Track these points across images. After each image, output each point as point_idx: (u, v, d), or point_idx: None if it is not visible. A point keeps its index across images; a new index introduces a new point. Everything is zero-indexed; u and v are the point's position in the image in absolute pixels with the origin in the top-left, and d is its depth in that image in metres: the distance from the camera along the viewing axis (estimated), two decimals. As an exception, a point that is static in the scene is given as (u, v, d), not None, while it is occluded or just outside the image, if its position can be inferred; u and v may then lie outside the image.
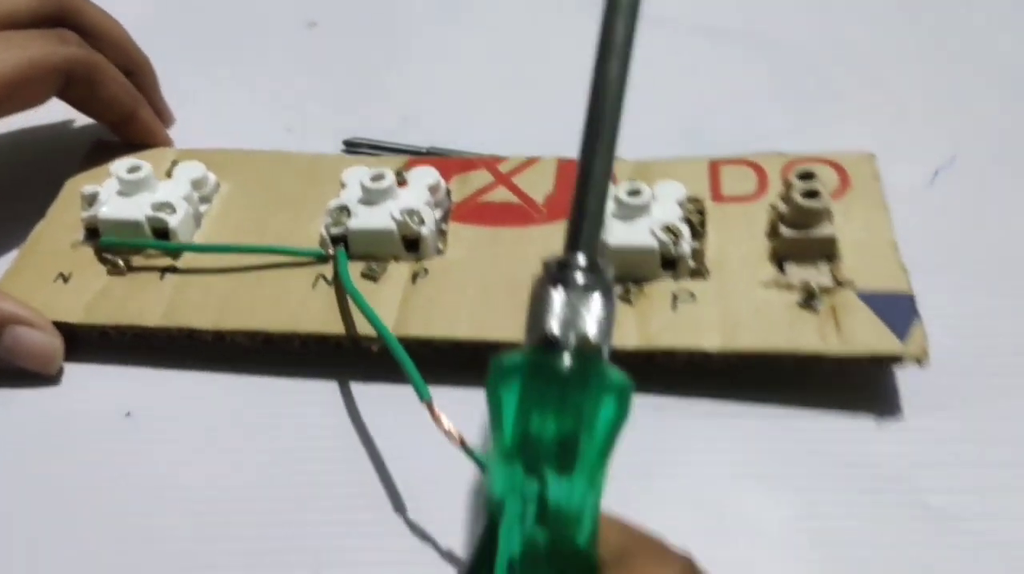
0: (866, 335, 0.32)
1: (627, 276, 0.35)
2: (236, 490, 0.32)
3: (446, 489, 0.32)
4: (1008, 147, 0.43)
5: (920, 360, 0.31)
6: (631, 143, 0.44)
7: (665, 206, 0.36)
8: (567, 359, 0.20)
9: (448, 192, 0.39)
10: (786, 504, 0.30)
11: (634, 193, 0.35)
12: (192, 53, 0.52)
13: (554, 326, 0.20)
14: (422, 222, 0.36)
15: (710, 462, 0.32)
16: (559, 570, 0.19)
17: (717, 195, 0.38)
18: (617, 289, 0.34)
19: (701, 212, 0.37)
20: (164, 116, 0.46)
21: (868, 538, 0.29)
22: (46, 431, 0.34)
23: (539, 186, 0.40)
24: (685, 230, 0.35)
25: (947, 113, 0.45)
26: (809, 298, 0.33)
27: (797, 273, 0.35)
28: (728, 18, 0.50)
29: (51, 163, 0.44)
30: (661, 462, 0.32)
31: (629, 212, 0.35)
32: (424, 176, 0.39)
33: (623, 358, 0.32)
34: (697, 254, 0.36)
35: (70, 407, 0.35)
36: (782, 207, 0.35)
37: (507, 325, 0.34)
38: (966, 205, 0.40)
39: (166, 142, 0.44)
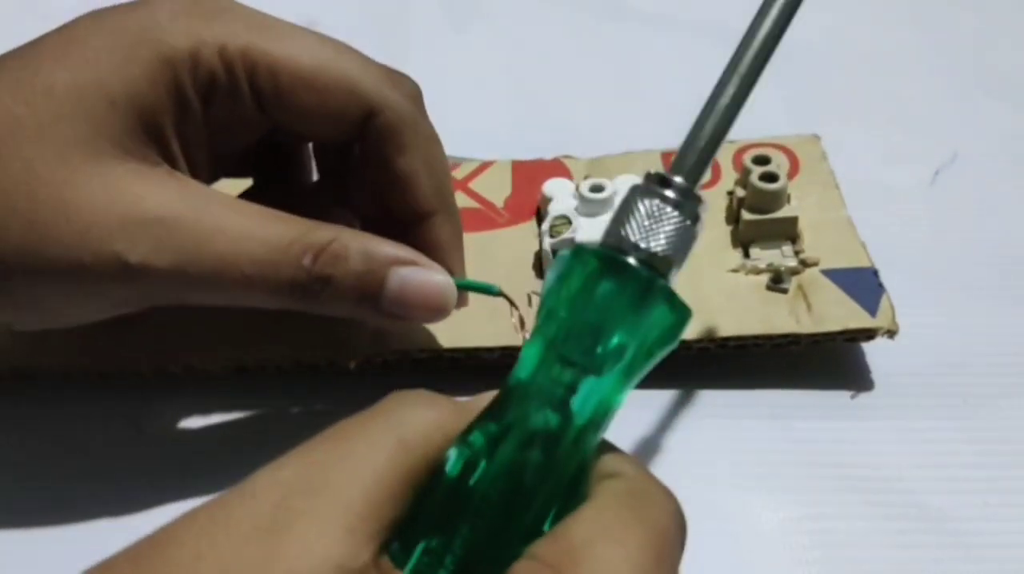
0: (837, 312, 0.33)
1: None
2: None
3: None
4: (1008, 147, 0.43)
5: (892, 332, 0.32)
6: (631, 143, 0.44)
7: None
8: (633, 264, 0.20)
9: None
10: (786, 505, 0.30)
11: (596, 189, 0.35)
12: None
13: (631, 233, 0.20)
14: None
15: (705, 462, 0.32)
16: (557, 460, 0.20)
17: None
18: None
19: None
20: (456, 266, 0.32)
21: (867, 538, 0.29)
22: (47, 429, 0.34)
23: (497, 189, 0.39)
24: None
25: (947, 113, 0.45)
26: (777, 280, 0.34)
27: (763, 256, 0.35)
28: (728, 18, 0.50)
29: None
30: (659, 462, 0.32)
31: (593, 208, 0.35)
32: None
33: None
34: None
35: (83, 418, 0.35)
36: (740, 192, 0.36)
37: (483, 333, 0.33)
38: (966, 205, 0.40)
39: (447, 298, 0.30)
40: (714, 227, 0.36)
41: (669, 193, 0.21)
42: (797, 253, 0.35)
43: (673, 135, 0.44)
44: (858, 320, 0.32)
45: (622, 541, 0.19)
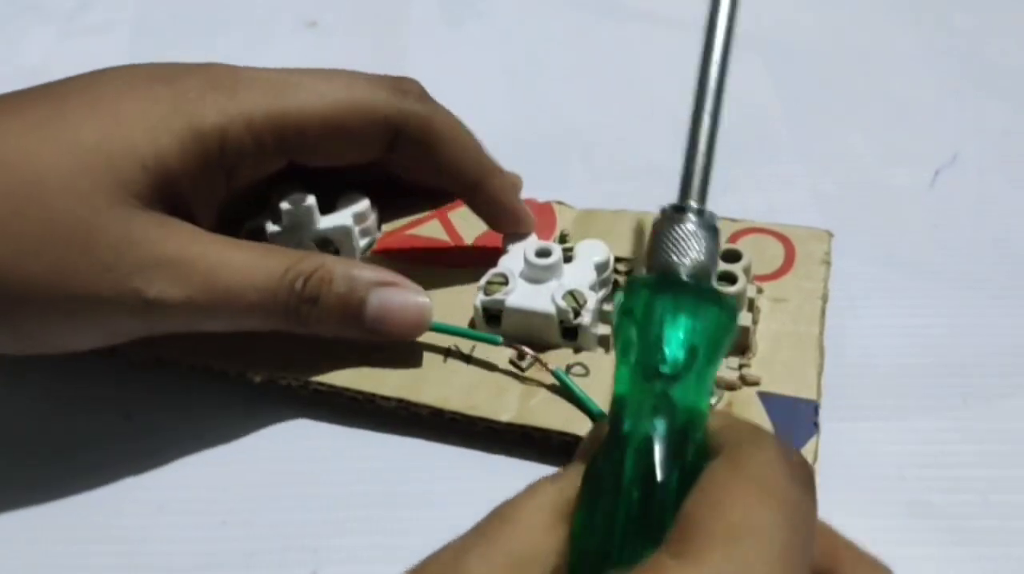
0: None
1: (528, 340, 0.33)
2: (236, 489, 0.32)
3: (445, 487, 0.32)
4: (1008, 147, 0.43)
5: None
6: (631, 143, 0.44)
7: (582, 268, 0.34)
8: (682, 278, 0.24)
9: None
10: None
11: (543, 254, 0.33)
12: (192, 53, 0.52)
13: (671, 255, 0.24)
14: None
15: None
16: (675, 449, 0.22)
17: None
18: (512, 353, 0.33)
19: (631, 273, 0.36)
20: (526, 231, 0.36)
21: (868, 537, 0.29)
22: (47, 428, 0.34)
23: (472, 226, 0.37)
24: (592, 298, 0.33)
25: (947, 113, 0.45)
26: None
27: None
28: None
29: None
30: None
31: (536, 274, 0.33)
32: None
33: (499, 430, 0.32)
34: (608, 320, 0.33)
35: (72, 405, 0.35)
36: None
37: (385, 382, 0.33)
38: (966, 205, 0.40)
39: (524, 225, 0.36)
40: None
41: (690, 215, 0.25)
42: (741, 366, 0.32)
43: (672, 135, 0.44)
44: None
45: (738, 512, 0.20)
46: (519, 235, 0.36)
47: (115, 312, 0.30)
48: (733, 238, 0.37)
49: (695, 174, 0.25)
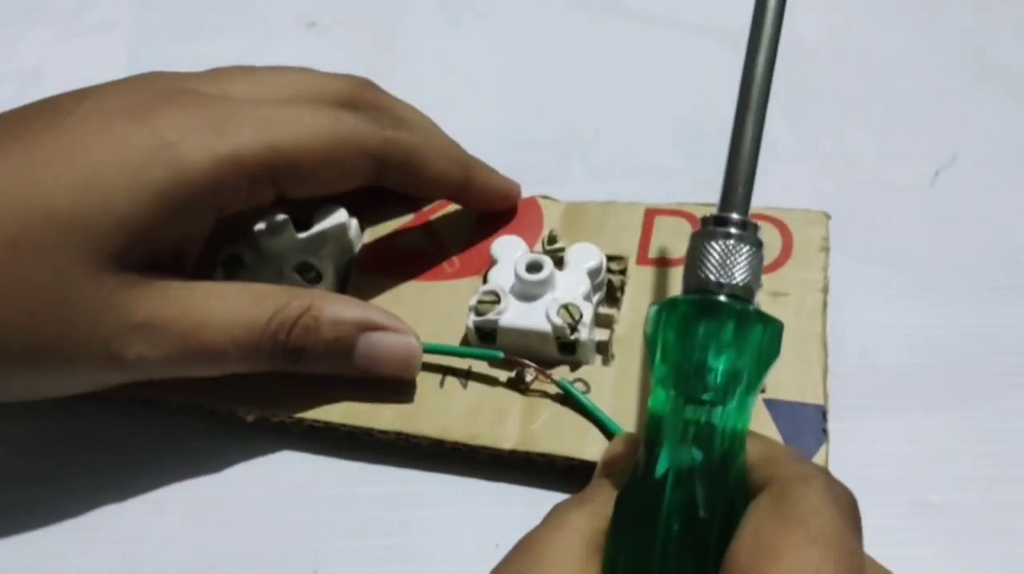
0: None
1: (524, 357, 0.32)
2: (235, 489, 0.32)
3: (443, 488, 0.32)
4: (1008, 147, 0.43)
5: None
6: (631, 143, 0.44)
7: (575, 276, 0.33)
8: (723, 300, 0.22)
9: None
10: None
11: (534, 268, 0.32)
12: (191, 53, 0.52)
13: (711, 273, 0.22)
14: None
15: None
16: (716, 479, 0.21)
17: (643, 255, 0.35)
18: (512, 374, 0.32)
19: (623, 272, 0.35)
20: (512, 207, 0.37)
21: (868, 537, 0.29)
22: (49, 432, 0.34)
23: (458, 231, 0.37)
24: (587, 311, 0.32)
25: (947, 113, 0.45)
26: None
27: None
28: (728, 18, 0.50)
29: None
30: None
31: (527, 289, 0.32)
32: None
33: (502, 458, 0.31)
34: (609, 327, 0.33)
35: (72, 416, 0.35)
36: None
37: (381, 415, 0.32)
38: (966, 205, 0.40)
39: (513, 197, 0.37)
40: None
41: (733, 230, 0.23)
42: None
43: (670, 134, 0.44)
44: None
45: (789, 558, 0.19)
46: (509, 241, 0.35)
47: (93, 370, 0.29)
48: None
49: (739, 183, 0.23)
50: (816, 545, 0.19)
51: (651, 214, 0.37)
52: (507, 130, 0.45)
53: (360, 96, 0.35)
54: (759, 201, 0.39)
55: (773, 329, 0.23)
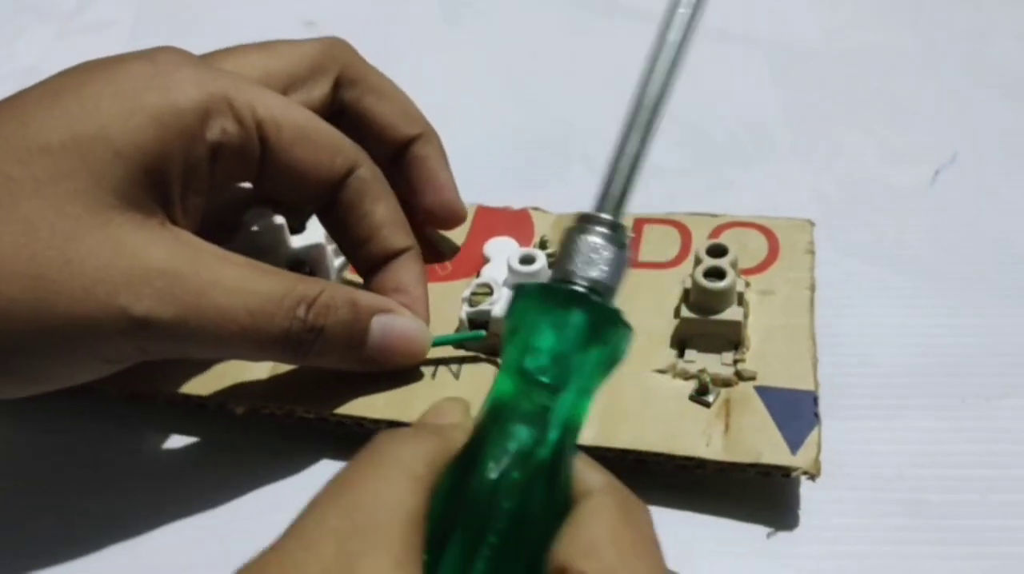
0: (754, 441, 0.29)
1: None
2: (235, 489, 0.32)
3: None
4: (1008, 147, 0.43)
5: (812, 475, 0.28)
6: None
7: None
8: (581, 291, 0.23)
9: None
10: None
11: (527, 261, 0.33)
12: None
13: (575, 267, 0.23)
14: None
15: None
16: (541, 473, 0.22)
17: (633, 259, 0.35)
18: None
19: None
20: (449, 209, 0.36)
21: (868, 536, 0.29)
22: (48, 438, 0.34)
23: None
24: None
25: (947, 113, 0.45)
26: (702, 391, 0.31)
27: (698, 360, 0.32)
28: (728, 18, 0.50)
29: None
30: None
31: (521, 281, 0.32)
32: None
33: None
34: None
35: (74, 415, 0.35)
36: (689, 284, 0.33)
37: (373, 404, 0.31)
38: (966, 205, 0.40)
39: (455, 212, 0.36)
40: (660, 314, 0.33)
41: (601, 229, 0.24)
42: (736, 362, 0.31)
43: (670, 134, 0.44)
44: (774, 455, 0.29)
45: (632, 549, 0.21)
46: (501, 242, 0.35)
47: (102, 335, 0.27)
48: (715, 233, 0.36)
49: (614, 184, 0.24)
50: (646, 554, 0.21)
51: (640, 223, 0.37)
52: (507, 130, 0.45)
53: (335, 63, 0.34)
54: (756, 202, 0.39)
55: (623, 331, 0.23)
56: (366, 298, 0.31)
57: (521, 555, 0.21)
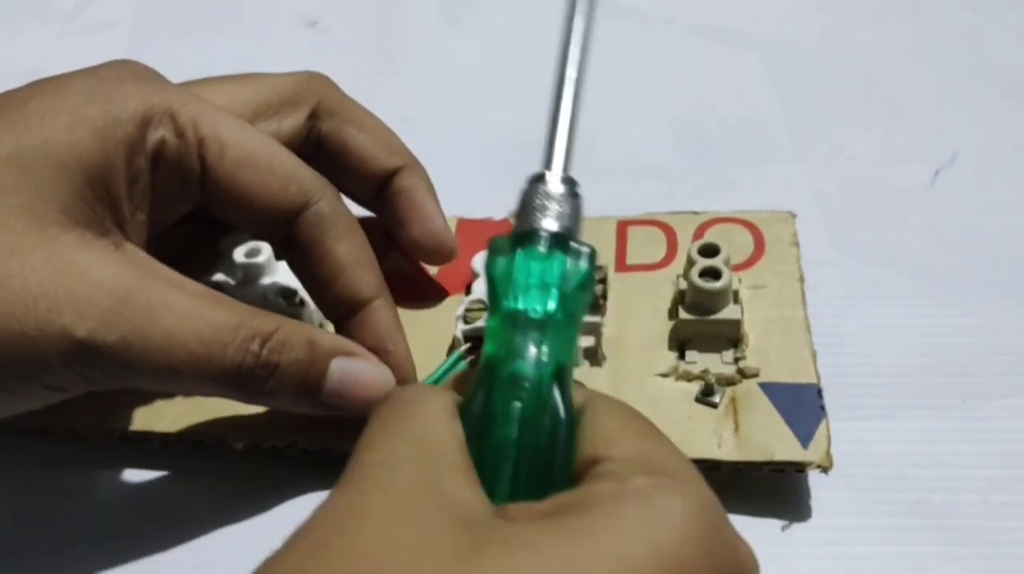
0: (765, 439, 0.29)
1: None
2: (235, 489, 0.32)
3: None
4: (1008, 147, 0.43)
5: (825, 468, 0.29)
6: (631, 143, 0.44)
7: None
8: (540, 232, 0.25)
9: None
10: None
11: None
12: (191, 53, 0.52)
13: (532, 218, 0.26)
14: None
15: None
16: (546, 397, 0.24)
17: (621, 263, 0.35)
18: None
19: (604, 281, 0.34)
20: (437, 240, 0.34)
21: (868, 536, 0.29)
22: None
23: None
24: None
25: (947, 113, 0.45)
26: (707, 392, 0.31)
27: (699, 360, 0.32)
28: (728, 18, 0.50)
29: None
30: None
31: None
32: None
33: None
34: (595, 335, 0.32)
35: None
36: (683, 284, 0.32)
37: None
38: (966, 205, 0.40)
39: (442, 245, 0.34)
40: (655, 317, 0.33)
41: (551, 180, 0.27)
42: (737, 360, 0.32)
43: (670, 134, 0.44)
44: (787, 451, 0.29)
45: (645, 433, 0.23)
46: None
47: (40, 357, 0.26)
48: (700, 231, 0.36)
49: (556, 143, 0.28)
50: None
51: (623, 225, 0.37)
52: (507, 130, 0.45)
53: (314, 94, 0.33)
54: (756, 202, 0.39)
55: (583, 253, 0.25)
56: (326, 339, 0.29)
57: (540, 471, 0.23)
